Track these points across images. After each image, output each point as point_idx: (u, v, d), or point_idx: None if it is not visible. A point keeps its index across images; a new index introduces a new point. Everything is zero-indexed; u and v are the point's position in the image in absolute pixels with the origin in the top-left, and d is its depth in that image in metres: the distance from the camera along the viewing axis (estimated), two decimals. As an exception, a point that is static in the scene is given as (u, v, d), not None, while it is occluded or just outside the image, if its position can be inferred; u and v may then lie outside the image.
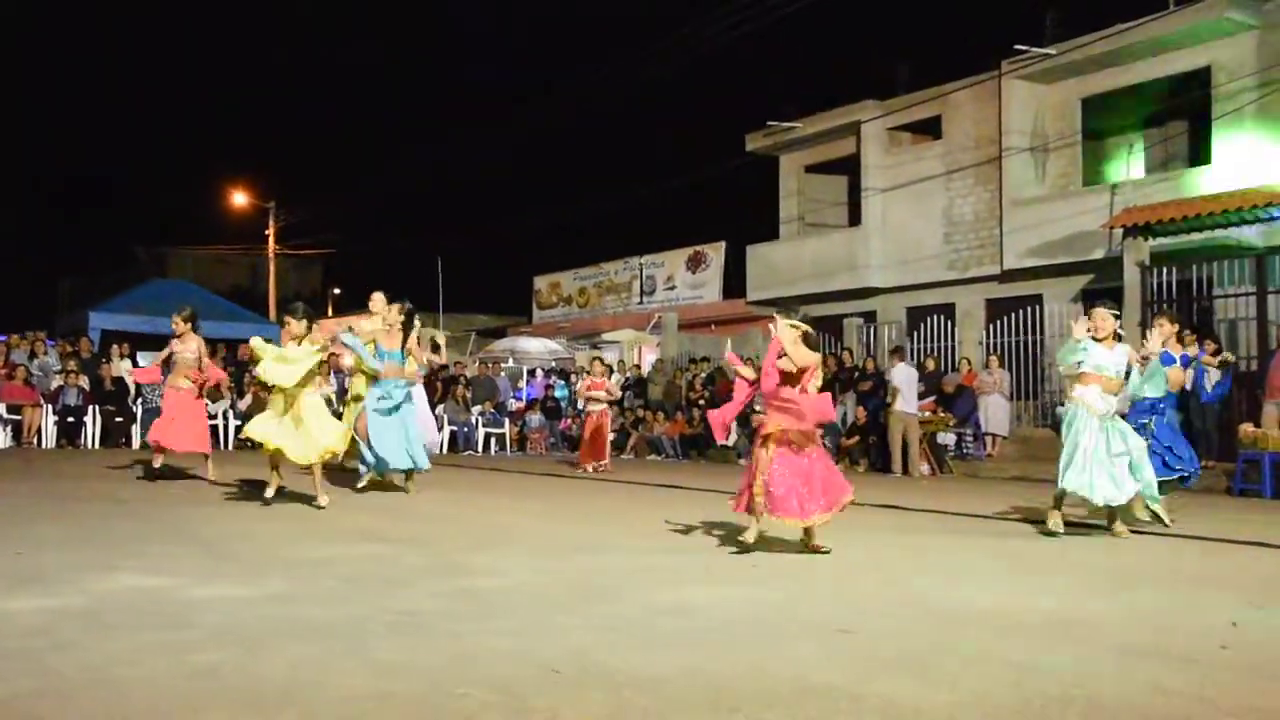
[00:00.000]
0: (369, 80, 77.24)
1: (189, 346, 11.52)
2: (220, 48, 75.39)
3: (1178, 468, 9.32)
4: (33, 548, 6.54)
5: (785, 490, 6.83)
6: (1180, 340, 9.42)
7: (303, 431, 8.89)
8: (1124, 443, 8.24)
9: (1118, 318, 8.50)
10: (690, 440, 21.50)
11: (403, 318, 10.71)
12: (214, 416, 20.30)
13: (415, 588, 5.46)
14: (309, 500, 9.14)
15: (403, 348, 10.71)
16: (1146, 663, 4.12)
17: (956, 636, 4.57)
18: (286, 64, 74.99)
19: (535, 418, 23.62)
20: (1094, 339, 8.40)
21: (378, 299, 11.36)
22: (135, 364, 19.82)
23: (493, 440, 22.57)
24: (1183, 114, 20.87)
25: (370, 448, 10.45)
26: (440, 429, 22.11)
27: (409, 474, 10.86)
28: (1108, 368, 8.32)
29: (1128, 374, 8.48)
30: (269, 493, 9.10)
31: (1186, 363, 9.22)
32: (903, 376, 17.40)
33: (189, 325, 11.58)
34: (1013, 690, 3.65)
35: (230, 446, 19.21)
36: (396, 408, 10.54)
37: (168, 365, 11.80)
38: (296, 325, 9.14)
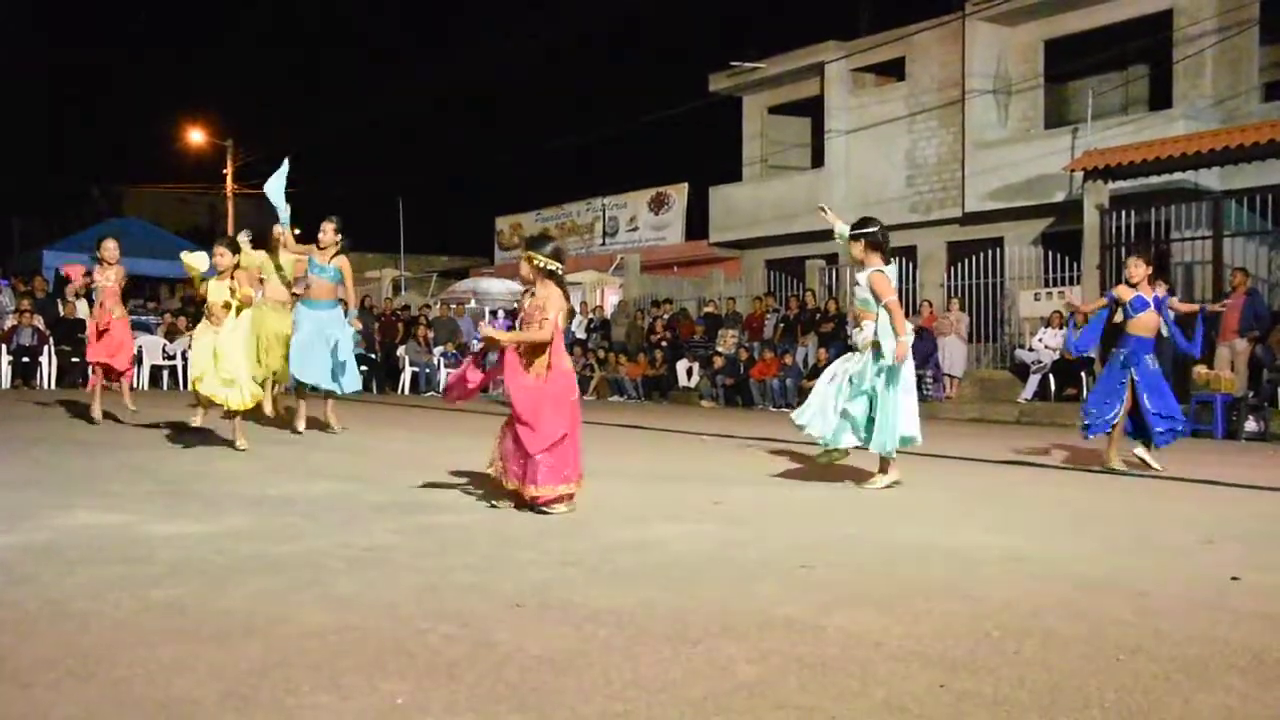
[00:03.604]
0: (329, 14, 75.90)
1: (107, 275, 11.19)
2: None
3: (1167, 428, 8.79)
4: (-11, 486, 6.49)
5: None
6: (1152, 282, 9.19)
7: (224, 371, 8.76)
8: (869, 381, 7.40)
9: (856, 239, 7.73)
10: (652, 381, 21.53)
11: (339, 238, 10.46)
12: (172, 357, 20.13)
13: (375, 524, 5.46)
14: (231, 443, 9.01)
15: (332, 261, 10.37)
16: (1101, 596, 4.20)
17: (916, 572, 4.63)
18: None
19: (497, 358, 23.54)
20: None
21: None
22: (91, 303, 19.49)
23: (455, 381, 22.51)
24: (1144, 57, 20.92)
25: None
26: (401, 369, 22.07)
27: (327, 395, 10.67)
28: (856, 297, 7.72)
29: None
30: (195, 421, 9.04)
31: (1160, 305, 9.02)
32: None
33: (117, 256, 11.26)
34: (971, 622, 3.71)
35: (189, 387, 19.01)
36: (321, 326, 10.33)
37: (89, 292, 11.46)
38: (226, 261, 8.98)
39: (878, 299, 7.46)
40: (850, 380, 7.49)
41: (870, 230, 7.75)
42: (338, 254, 10.44)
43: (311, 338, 10.28)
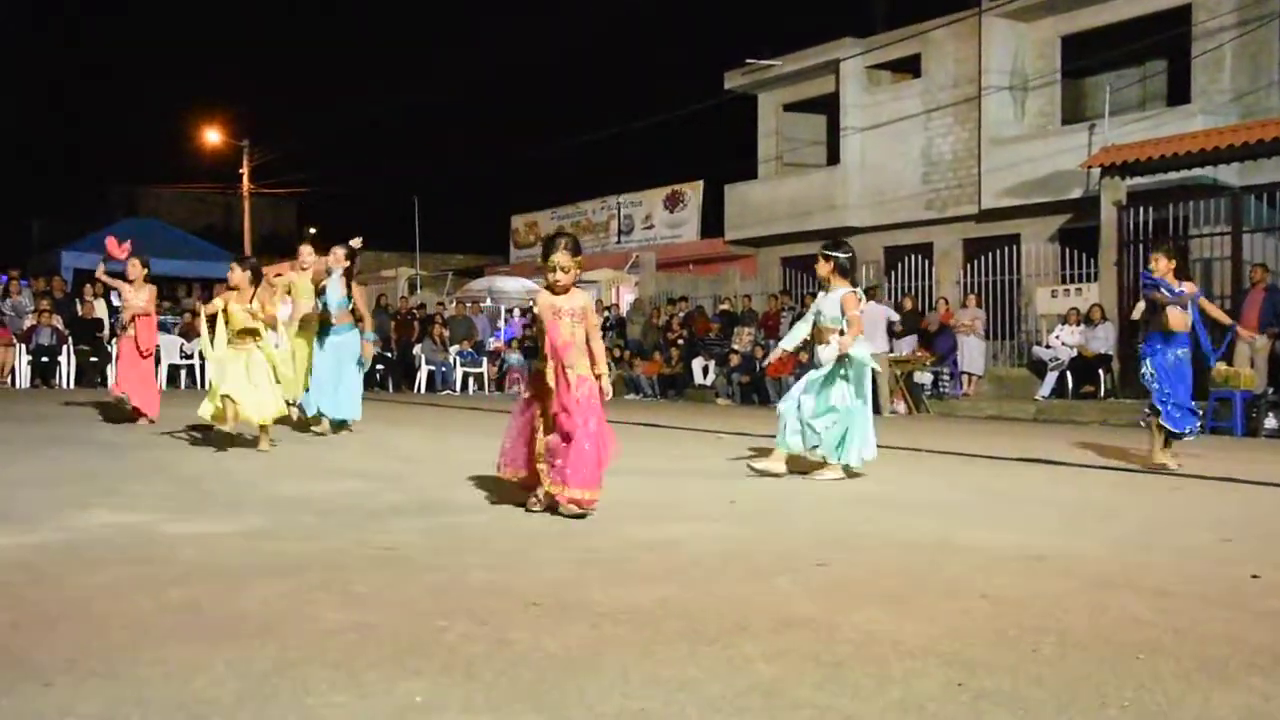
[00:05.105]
0: (343, 12, 76.18)
1: (140, 295, 11.30)
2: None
3: (1180, 417, 8.74)
4: (9, 486, 6.52)
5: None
6: (1178, 276, 9.00)
7: (254, 388, 8.77)
8: (836, 397, 7.61)
9: (827, 259, 7.76)
10: (668, 379, 21.53)
11: (347, 263, 10.57)
12: (190, 356, 20.22)
13: (393, 523, 5.47)
14: (254, 444, 9.02)
15: (348, 293, 10.58)
16: (1120, 595, 4.17)
17: (932, 570, 4.61)
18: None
19: (513, 357, 23.61)
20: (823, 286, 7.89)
21: (305, 252, 11.24)
22: (109, 303, 19.63)
23: (471, 380, 22.58)
24: (1162, 52, 20.82)
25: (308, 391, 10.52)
26: (417, 368, 22.10)
27: (341, 425, 10.77)
28: (825, 315, 7.73)
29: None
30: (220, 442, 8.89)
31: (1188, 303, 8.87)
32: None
33: (145, 272, 11.39)
34: (988, 621, 3.69)
35: (206, 386, 19.09)
36: (340, 354, 10.51)
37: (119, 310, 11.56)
38: (238, 277, 9.00)
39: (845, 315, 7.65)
40: (810, 390, 7.71)
41: (841, 255, 7.79)
42: (350, 284, 10.65)
43: (332, 370, 10.47)
